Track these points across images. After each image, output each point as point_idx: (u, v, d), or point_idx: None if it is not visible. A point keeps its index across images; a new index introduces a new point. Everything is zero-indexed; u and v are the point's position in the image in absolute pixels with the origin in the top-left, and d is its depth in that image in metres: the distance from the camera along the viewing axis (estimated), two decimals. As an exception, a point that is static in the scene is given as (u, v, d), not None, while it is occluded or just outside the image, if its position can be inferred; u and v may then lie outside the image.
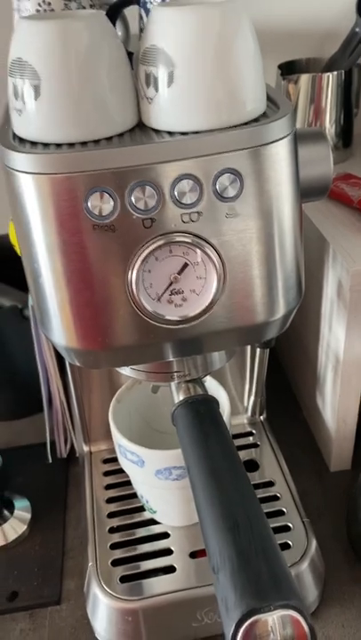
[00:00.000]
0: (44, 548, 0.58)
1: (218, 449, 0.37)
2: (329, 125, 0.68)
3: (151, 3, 0.40)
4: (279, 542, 0.51)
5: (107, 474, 0.60)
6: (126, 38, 0.48)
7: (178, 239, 0.35)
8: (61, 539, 0.59)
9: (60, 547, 0.58)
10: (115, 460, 0.54)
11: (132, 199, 0.33)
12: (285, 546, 0.51)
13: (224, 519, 0.33)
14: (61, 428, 0.64)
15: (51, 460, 0.64)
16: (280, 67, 0.68)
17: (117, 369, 0.44)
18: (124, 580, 0.50)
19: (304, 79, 0.65)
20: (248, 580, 0.30)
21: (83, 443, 0.63)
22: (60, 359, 0.59)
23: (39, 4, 0.39)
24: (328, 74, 0.64)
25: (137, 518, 0.55)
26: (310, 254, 0.58)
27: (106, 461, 0.62)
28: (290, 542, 0.51)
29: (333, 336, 0.57)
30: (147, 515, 0.55)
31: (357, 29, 0.66)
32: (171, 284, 0.36)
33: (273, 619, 0.29)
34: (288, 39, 0.72)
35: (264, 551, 0.31)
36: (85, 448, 0.63)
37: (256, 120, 0.35)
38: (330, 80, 0.65)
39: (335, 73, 0.65)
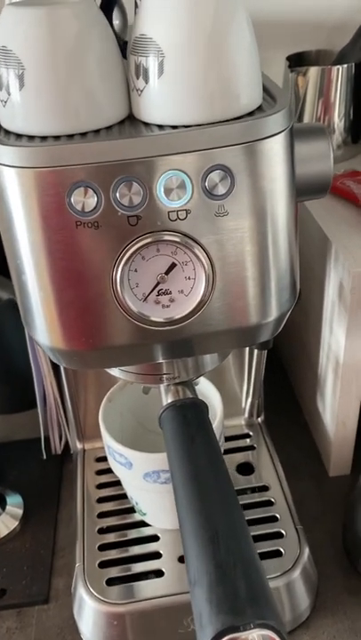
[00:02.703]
0: (34, 546, 0.57)
1: (203, 456, 0.36)
2: (338, 120, 0.66)
3: (147, -10, 0.38)
4: (271, 549, 0.50)
5: (99, 472, 0.60)
6: (123, 27, 0.47)
7: (165, 238, 0.33)
8: (52, 537, 0.58)
9: (51, 545, 0.57)
10: (108, 458, 0.53)
11: (117, 195, 0.32)
12: (277, 553, 0.50)
13: (204, 529, 0.32)
14: (55, 425, 0.63)
15: (45, 456, 0.64)
16: (289, 58, 0.66)
17: (106, 369, 0.43)
18: (111, 582, 0.49)
19: (313, 72, 0.63)
20: (225, 596, 0.29)
21: (76, 440, 0.62)
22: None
23: (30, -10, 0.37)
24: (338, 66, 0.62)
25: (127, 519, 0.54)
26: (312, 253, 0.56)
27: (99, 460, 0.61)
28: (282, 550, 0.50)
29: (334, 338, 0.55)
30: (137, 516, 0.54)
31: (369, 21, 0.64)
32: (158, 284, 0.35)
33: (251, 638, 0.28)
34: (297, 30, 0.70)
35: (243, 565, 0.30)
36: (79, 445, 0.62)
37: (251, 114, 0.34)
38: (340, 73, 0.63)
39: (345, 66, 0.62)
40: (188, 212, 0.33)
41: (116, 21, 0.45)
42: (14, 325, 0.63)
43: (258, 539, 0.51)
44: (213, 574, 0.30)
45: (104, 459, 0.60)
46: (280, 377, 0.74)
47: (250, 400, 0.62)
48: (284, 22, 0.69)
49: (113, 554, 0.51)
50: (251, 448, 0.61)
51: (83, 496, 0.57)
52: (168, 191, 0.32)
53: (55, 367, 0.58)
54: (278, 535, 0.52)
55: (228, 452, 0.60)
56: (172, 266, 0.34)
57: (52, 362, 0.58)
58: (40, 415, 0.61)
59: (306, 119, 0.66)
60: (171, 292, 0.35)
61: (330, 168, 0.37)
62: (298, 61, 0.67)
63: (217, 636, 0.28)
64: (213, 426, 0.39)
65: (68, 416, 0.61)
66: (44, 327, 0.36)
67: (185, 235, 0.33)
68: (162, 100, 0.33)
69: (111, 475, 0.58)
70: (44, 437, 0.63)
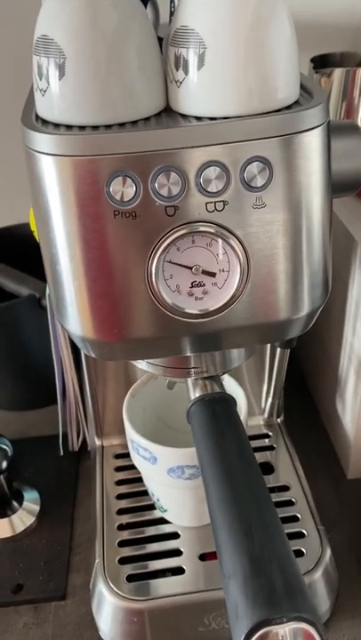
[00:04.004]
0: (51, 542, 0.57)
1: (233, 449, 0.36)
2: (361, 122, 0.66)
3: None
4: (292, 549, 0.50)
5: (118, 469, 0.59)
6: (156, 24, 0.47)
7: (201, 229, 0.33)
8: (69, 533, 0.58)
9: (68, 541, 0.57)
10: (127, 455, 0.53)
11: (156, 185, 0.32)
12: (299, 553, 0.50)
13: (238, 523, 0.31)
14: (74, 421, 0.63)
15: (62, 453, 0.63)
16: (313, 60, 0.66)
17: (133, 362, 0.43)
18: (130, 579, 0.49)
19: (337, 73, 0.63)
20: (261, 589, 0.29)
21: (95, 436, 0.62)
22: (75, 351, 0.58)
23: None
24: (363, 68, 0.62)
25: (147, 516, 0.54)
26: (337, 253, 0.56)
27: (118, 456, 0.61)
28: (303, 550, 0.50)
29: (357, 339, 0.55)
30: (157, 513, 0.54)
31: (395, 23, 0.64)
32: (192, 274, 0.35)
33: (285, 631, 0.28)
34: (322, 32, 0.70)
35: (278, 559, 0.30)
36: (97, 442, 0.62)
37: (288, 108, 0.34)
38: (364, 75, 0.63)
39: (370, 68, 0.62)
40: (225, 203, 0.33)
41: (149, 16, 0.45)
42: (34, 321, 0.64)
43: (279, 538, 0.51)
44: (249, 568, 0.29)
45: (123, 455, 0.60)
46: (296, 377, 0.74)
47: (270, 400, 0.62)
48: (309, 24, 0.70)
49: (133, 550, 0.51)
50: (270, 448, 0.61)
51: (102, 492, 0.56)
52: (207, 182, 0.32)
53: (76, 362, 0.58)
54: (300, 535, 0.51)
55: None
56: (212, 274, 0.34)
57: (73, 356, 0.58)
58: (59, 411, 0.61)
59: (329, 120, 0.66)
60: (204, 285, 0.35)
61: (363, 165, 0.37)
62: (322, 63, 0.67)
63: (253, 628, 0.27)
64: (241, 421, 0.39)
65: (87, 412, 0.61)
66: (76, 317, 0.36)
67: (222, 226, 0.33)
68: (201, 91, 0.33)
69: (130, 471, 0.57)
70: (62, 434, 0.63)
